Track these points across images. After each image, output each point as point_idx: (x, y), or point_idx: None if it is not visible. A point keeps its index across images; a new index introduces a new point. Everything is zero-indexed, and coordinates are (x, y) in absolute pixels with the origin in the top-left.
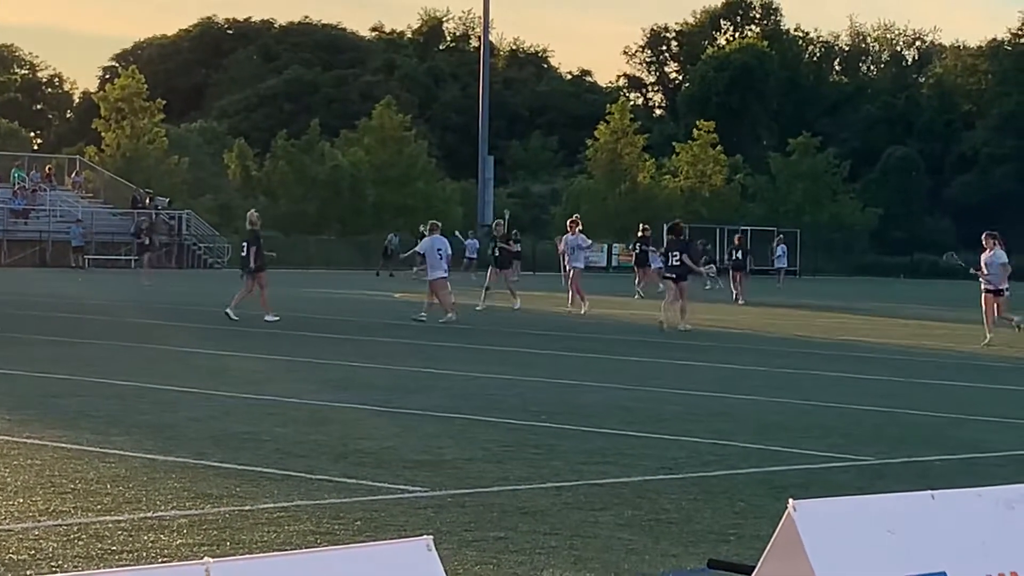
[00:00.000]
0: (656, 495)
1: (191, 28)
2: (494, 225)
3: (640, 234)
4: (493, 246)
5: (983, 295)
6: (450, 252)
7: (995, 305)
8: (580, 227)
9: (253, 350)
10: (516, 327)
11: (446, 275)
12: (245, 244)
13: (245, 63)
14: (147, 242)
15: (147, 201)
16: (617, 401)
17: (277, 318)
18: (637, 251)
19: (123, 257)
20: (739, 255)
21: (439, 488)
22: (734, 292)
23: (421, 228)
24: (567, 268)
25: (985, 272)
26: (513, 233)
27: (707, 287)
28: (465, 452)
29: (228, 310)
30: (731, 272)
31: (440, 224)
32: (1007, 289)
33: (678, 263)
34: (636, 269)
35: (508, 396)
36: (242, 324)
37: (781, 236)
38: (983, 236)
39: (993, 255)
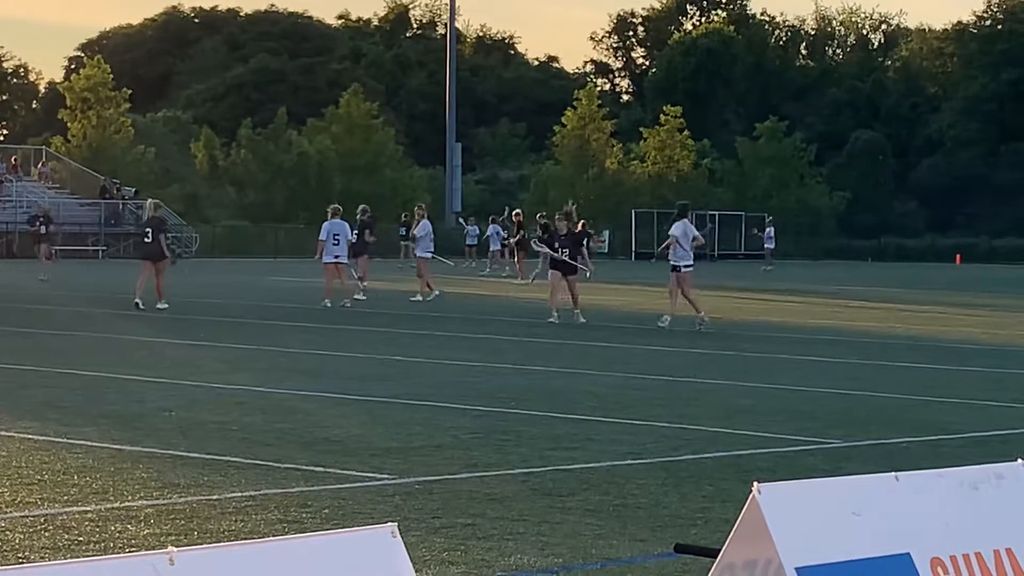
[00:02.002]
0: (624, 480)
1: (156, 17)
2: (513, 214)
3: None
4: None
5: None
6: (349, 236)
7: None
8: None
9: (221, 339)
10: (487, 314)
11: (335, 260)
12: (150, 231)
13: (211, 52)
14: (43, 231)
15: (115, 191)
16: (585, 387)
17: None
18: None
19: (91, 247)
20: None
21: (407, 475)
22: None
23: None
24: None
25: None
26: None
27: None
28: (433, 439)
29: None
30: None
31: (341, 209)
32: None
33: (567, 253)
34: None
35: (477, 383)
36: (211, 314)
37: (771, 219)
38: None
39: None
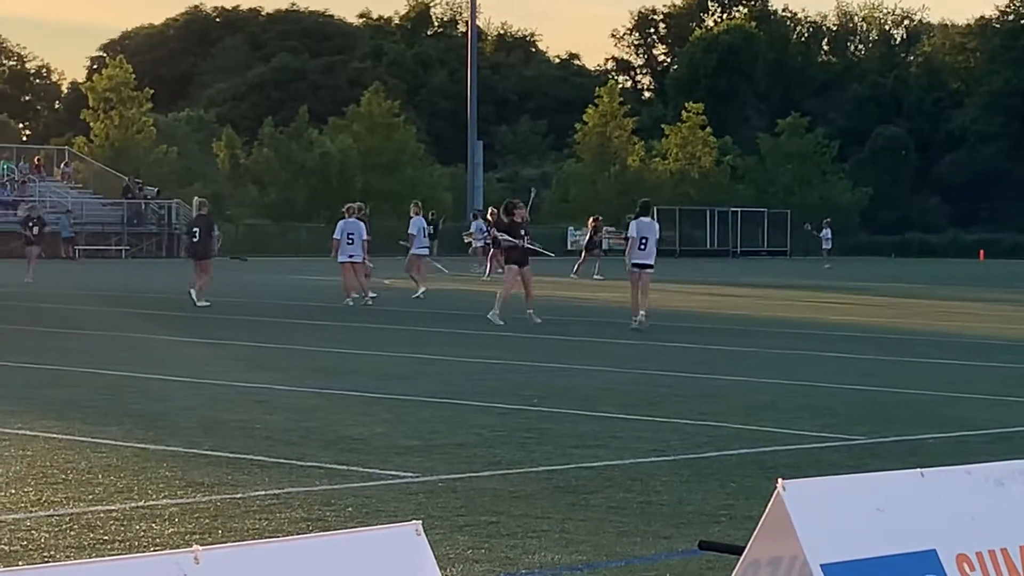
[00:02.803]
0: (647, 477)
1: (178, 17)
2: (490, 212)
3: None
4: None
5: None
6: (365, 236)
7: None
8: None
9: (243, 338)
10: (506, 311)
11: (350, 259)
12: (197, 230)
13: (232, 51)
14: (35, 233)
15: (138, 190)
16: (607, 384)
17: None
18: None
19: (114, 247)
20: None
21: (430, 473)
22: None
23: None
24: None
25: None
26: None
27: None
28: (456, 437)
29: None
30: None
31: (356, 208)
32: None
33: (529, 245)
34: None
35: (499, 380)
36: (232, 312)
37: (829, 221)
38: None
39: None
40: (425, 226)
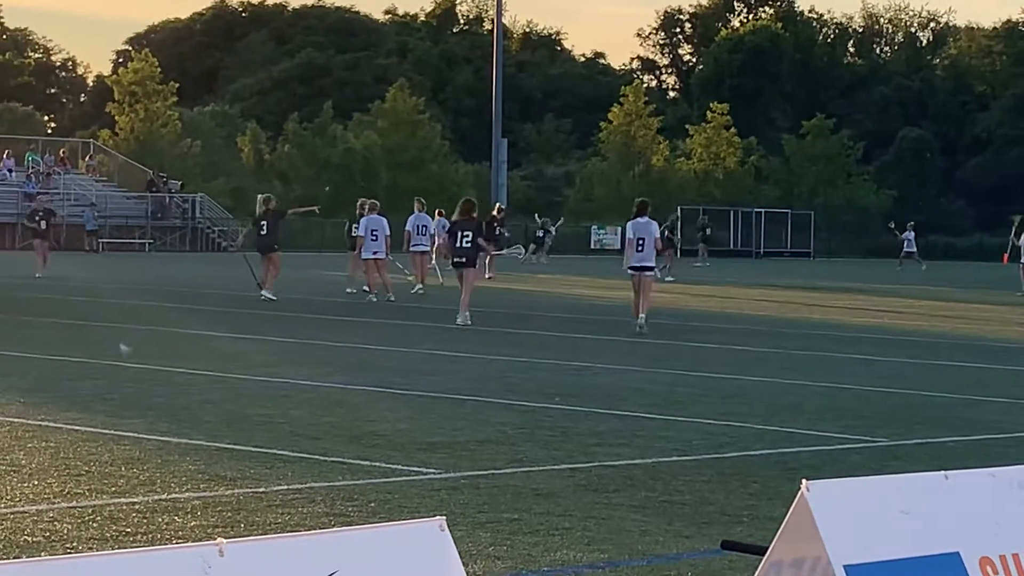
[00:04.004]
0: (670, 477)
1: (204, 11)
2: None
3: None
4: None
5: None
6: (387, 232)
7: None
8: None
9: (267, 333)
10: (527, 309)
11: (374, 256)
12: (265, 223)
13: (258, 46)
14: (43, 227)
15: (162, 184)
16: (631, 383)
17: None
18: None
19: (137, 240)
20: (668, 234)
21: (453, 470)
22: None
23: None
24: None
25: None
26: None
27: (698, 264)
28: (479, 434)
29: (265, 292)
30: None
31: (378, 204)
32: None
33: (468, 244)
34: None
35: (522, 378)
36: (256, 307)
37: (912, 224)
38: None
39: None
40: (427, 224)
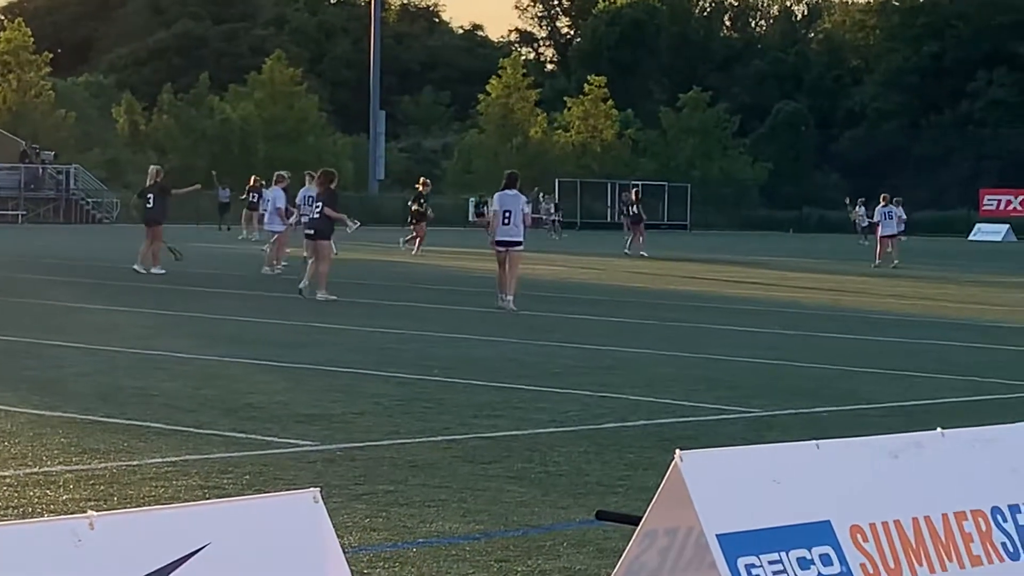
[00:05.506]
0: (546, 448)
1: None
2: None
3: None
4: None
5: None
6: (280, 204)
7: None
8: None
9: (142, 305)
10: (409, 282)
11: (282, 230)
12: (151, 196)
13: (133, 16)
14: None
15: (35, 155)
16: (508, 355)
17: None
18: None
19: (10, 212)
20: (636, 209)
21: (329, 442)
22: (627, 242)
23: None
24: None
25: None
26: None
27: (554, 238)
28: (356, 406)
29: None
30: (629, 225)
31: (286, 176)
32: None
33: (318, 215)
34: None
35: (400, 350)
36: (131, 280)
37: (899, 200)
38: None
39: None
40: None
